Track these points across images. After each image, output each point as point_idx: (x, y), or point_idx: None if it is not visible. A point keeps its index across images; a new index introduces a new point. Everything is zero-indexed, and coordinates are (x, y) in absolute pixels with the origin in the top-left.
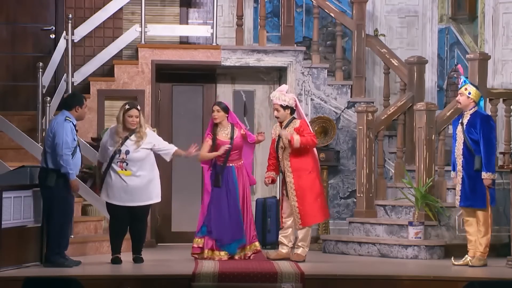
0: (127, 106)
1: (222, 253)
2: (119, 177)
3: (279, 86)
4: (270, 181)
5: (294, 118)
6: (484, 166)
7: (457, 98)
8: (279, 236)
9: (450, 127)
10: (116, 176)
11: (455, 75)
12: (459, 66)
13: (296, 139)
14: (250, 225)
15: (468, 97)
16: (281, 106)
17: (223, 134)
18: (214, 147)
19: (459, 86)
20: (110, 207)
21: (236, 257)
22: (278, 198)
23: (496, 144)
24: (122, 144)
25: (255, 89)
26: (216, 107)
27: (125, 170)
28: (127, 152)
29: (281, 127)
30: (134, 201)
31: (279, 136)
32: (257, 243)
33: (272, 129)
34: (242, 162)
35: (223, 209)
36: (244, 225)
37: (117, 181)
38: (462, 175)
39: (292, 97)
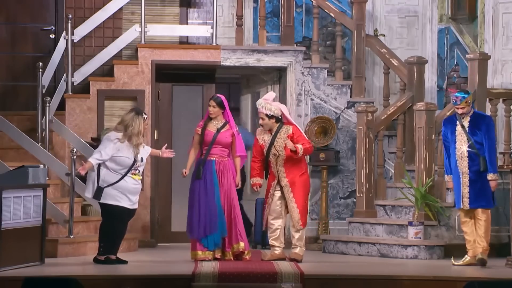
0: (145, 115)
1: (207, 252)
2: (135, 181)
3: (279, 85)
4: (258, 188)
5: (282, 123)
6: (490, 167)
7: (461, 112)
8: (270, 240)
9: None
10: (131, 179)
11: (455, 75)
12: (450, 89)
13: (300, 148)
14: (236, 224)
15: (469, 105)
16: (266, 115)
17: (212, 126)
18: (202, 137)
19: (459, 102)
20: (116, 210)
21: (217, 255)
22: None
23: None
24: (139, 152)
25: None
26: (212, 102)
27: (136, 175)
28: (141, 160)
29: (270, 134)
30: (136, 203)
31: (271, 144)
32: (242, 244)
33: (257, 133)
34: (227, 159)
35: (201, 203)
36: (228, 223)
37: (132, 184)
38: (470, 177)
39: (277, 107)
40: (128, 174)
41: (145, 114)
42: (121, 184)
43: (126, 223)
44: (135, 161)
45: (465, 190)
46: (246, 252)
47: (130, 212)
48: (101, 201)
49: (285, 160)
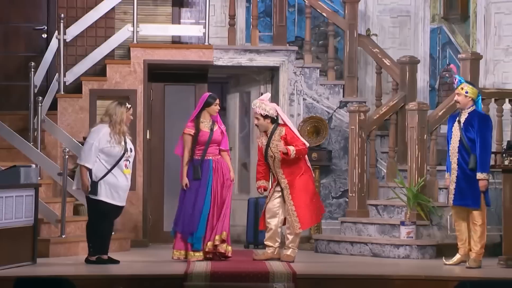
0: (128, 105)
1: (197, 254)
2: (124, 176)
3: (271, 85)
4: (262, 191)
5: (278, 125)
6: (479, 166)
7: (455, 99)
8: (264, 241)
9: (442, 126)
10: (122, 176)
11: (447, 75)
12: (452, 66)
13: (292, 150)
14: (225, 215)
15: (466, 96)
16: (261, 115)
17: (205, 126)
18: (197, 138)
19: (455, 85)
20: (107, 207)
21: (207, 248)
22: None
23: (491, 145)
24: (126, 142)
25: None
26: (218, 101)
27: (128, 168)
28: (130, 150)
29: (266, 135)
30: (125, 200)
31: (267, 145)
32: (224, 233)
33: (256, 137)
34: (220, 156)
35: (190, 202)
36: (217, 218)
37: (123, 181)
38: (457, 173)
39: (273, 107)
40: (121, 166)
41: (129, 104)
42: (112, 181)
43: (112, 221)
44: (125, 150)
45: (452, 187)
46: (226, 245)
47: (118, 210)
48: (96, 197)
49: (281, 161)
